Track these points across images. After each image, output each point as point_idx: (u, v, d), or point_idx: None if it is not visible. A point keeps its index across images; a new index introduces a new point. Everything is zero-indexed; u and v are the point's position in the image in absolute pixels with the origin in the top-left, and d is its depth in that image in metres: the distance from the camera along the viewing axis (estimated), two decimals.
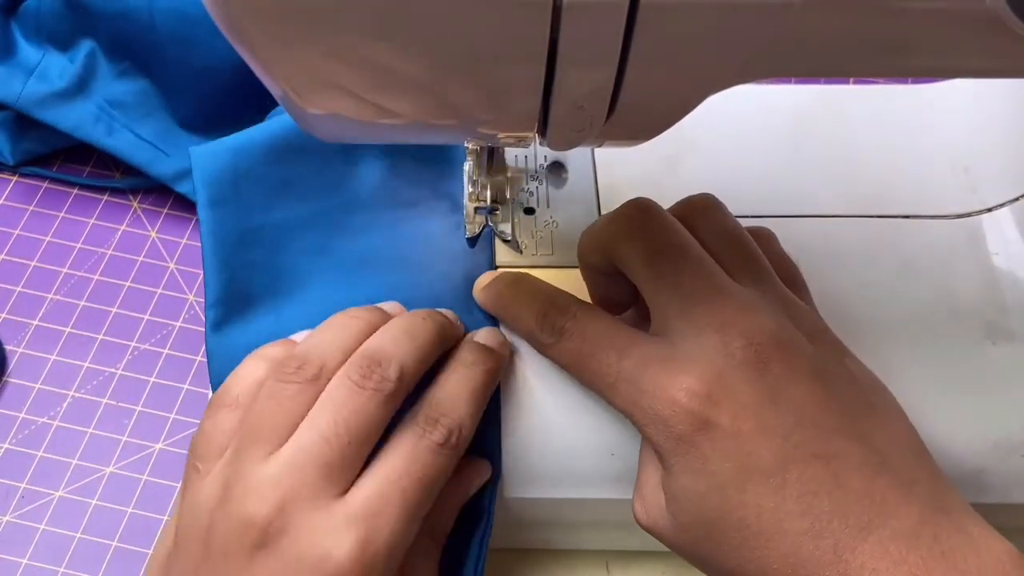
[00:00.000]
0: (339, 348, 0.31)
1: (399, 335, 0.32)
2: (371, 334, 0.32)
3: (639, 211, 0.32)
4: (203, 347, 0.46)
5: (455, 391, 0.32)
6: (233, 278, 0.36)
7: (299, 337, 0.34)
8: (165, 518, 0.42)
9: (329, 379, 0.30)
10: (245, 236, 0.37)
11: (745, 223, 0.34)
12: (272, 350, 0.33)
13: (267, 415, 0.30)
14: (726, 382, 0.28)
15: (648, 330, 0.31)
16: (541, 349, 0.33)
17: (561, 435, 0.34)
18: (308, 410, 0.30)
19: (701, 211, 0.33)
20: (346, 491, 0.29)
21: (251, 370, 0.32)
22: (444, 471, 0.31)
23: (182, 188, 0.49)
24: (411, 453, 0.30)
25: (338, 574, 0.28)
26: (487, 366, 0.33)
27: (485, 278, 0.36)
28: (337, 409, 0.29)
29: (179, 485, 0.31)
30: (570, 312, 0.32)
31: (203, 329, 0.47)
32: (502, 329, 0.36)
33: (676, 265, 0.30)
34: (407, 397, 0.31)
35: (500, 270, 0.37)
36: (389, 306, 0.35)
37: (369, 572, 0.28)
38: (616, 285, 0.33)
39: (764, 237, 0.35)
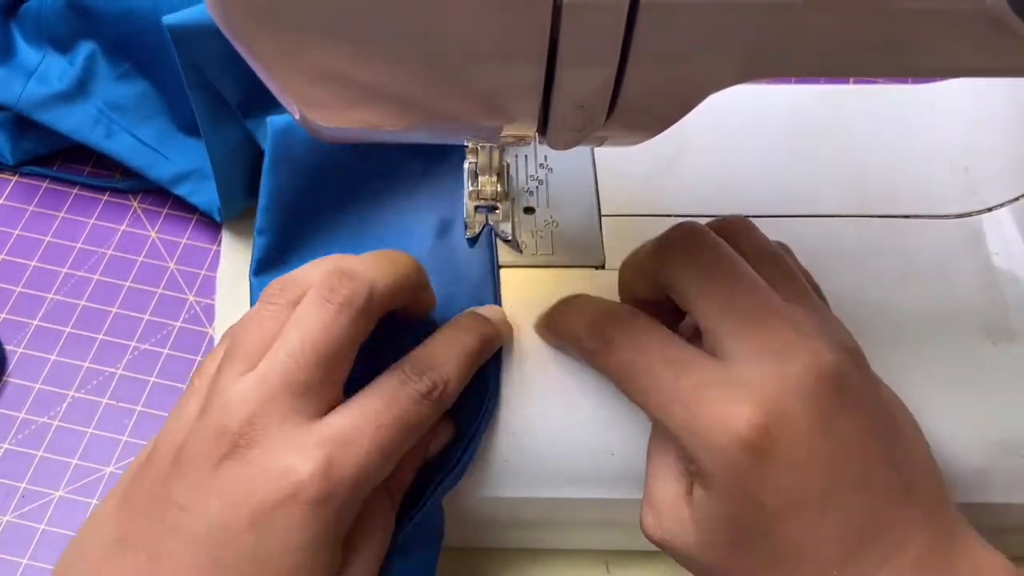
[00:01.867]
0: (324, 272, 0.31)
1: (375, 258, 0.32)
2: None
3: (686, 235, 0.31)
4: (202, 347, 0.46)
5: (445, 348, 0.32)
6: (284, 229, 0.39)
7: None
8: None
9: None
10: (299, 198, 0.39)
11: None
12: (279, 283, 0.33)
13: (247, 335, 0.30)
14: (784, 414, 0.28)
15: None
16: (588, 358, 0.33)
17: (561, 435, 0.34)
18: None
19: (740, 231, 0.33)
20: (321, 416, 0.29)
21: (251, 310, 0.32)
22: (423, 420, 0.30)
23: (181, 191, 0.49)
24: (392, 395, 0.30)
25: (299, 490, 0.27)
26: (482, 332, 0.33)
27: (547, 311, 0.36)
28: (304, 326, 0.29)
29: None
30: (623, 321, 0.31)
31: (203, 329, 0.47)
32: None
33: (729, 286, 0.30)
34: (393, 351, 0.31)
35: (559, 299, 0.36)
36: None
37: (329, 497, 0.28)
38: (660, 315, 0.33)
39: (785, 249, 0.35)
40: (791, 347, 0.29)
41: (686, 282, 0.31)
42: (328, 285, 0.30)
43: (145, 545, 0.28)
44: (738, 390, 0.28)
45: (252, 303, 0.37)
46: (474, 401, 0.34)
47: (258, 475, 0.28)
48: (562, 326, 0.34)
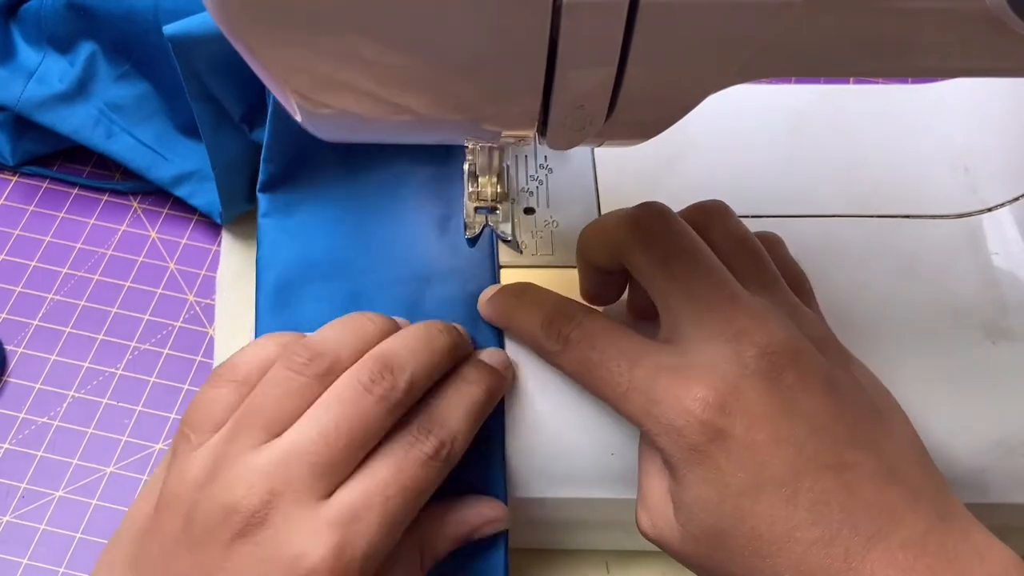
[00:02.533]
0: (353, 348, 0.31)
1: (414, 344, 0.31)
2: (387, 337, 0.32)
3: (653, 215, 0.32)
4: (202, 347, 0.46)
5: (452, 405, 0.32)
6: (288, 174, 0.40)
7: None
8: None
9: (338, 376, 0.30)
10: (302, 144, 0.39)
11: (746, 224, 0.34)
12: (287, 338, 0.33)
13: (269, 402, 0.30)
14: (740, 392, 0.28)
15: (641, 330, 0.31)
16: (547, 357, 0.33)
17: (561, 435, 0.34)
18: (310, 404, 0.30)
19: (712, 216, 0.33)
20: (332, 493, 0.29)
21: (261, 350, 0.32)
22: (431, 483, 0.30)
23: (181, 192, 0.49)
24: (399, 462, 0.30)
25: (310, 574, 0.27)
26: (488, 385, 0.33)
27: (489, 291, 0.36)
28: (341, 410, 0.29)
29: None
30: (576, 319, 0.32)
31: (203, 329, 0.47)
32: (508, 345, 0.36)
33: (689, 271, 0.30)
34: None
35: (503, 284, 0.36)
36: (399, 321, 0.35)
37: None
38: (611, 282, 0.33)
39: (772, 242, 0.35)
40: (745, 330, 0.29)
41: (647, 265, 0.31)
42: (368, 375, 0.30)
43: None
44: (692, 372, 0.28)
45: (260, 215, 0.39)
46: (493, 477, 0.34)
47: (271, 559, 0.27)
48: (516, 323, 0.34)
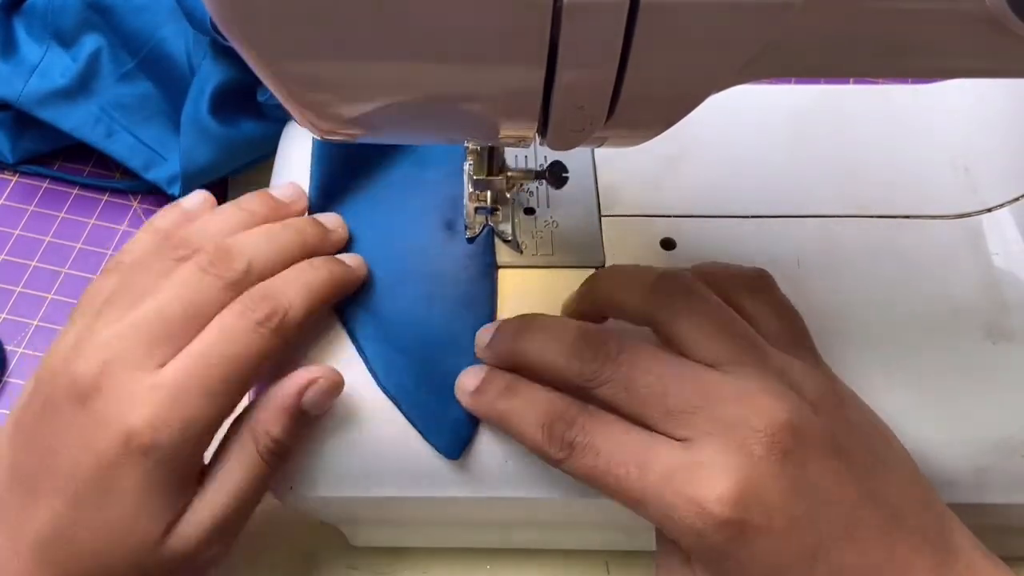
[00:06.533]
0: (222, 235, 0.33)
1: (257, 235, 0.34)
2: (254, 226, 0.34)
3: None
4: None
5: (289, 280, 0.33)
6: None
7: (190, 202, 0.36)
8: (18, 289, 0.44)
9: None
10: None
11: (746, 223, 0.34)
12: (162, 220, 0.35)
13: (131, 283, 0.32)
14: (753, 484, 0.28)
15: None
16: (552, 464, 0.31)
17: None
18: None
19: (683, 296, 0.32)
20: (165, 364, 0.30)
21: (141, 240, 0.34)
22: (260, 352, 0.31)
23: (174, 191, 0.49)
24: (227, 329, 0.31)
25: (131, 439, 0.29)
26: (332, 270, 0.34)
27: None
28: (178, 288, 0.31)
29: None
30: (578, 424, 0.30)
31: None
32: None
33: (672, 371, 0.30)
34: None
35: (488, 371, 0.33)
36: (286, 193, 0.37)
37: (157, 445, 0.29)
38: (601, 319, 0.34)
39: (761, 285, 0.34)
40: (744, 420, 0.28)
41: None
42: (207, 258, 0.32)
43: (29, 481, 0.30)
44: (704, 471, 0.28)
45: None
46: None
47: (101, 424, 0.29)
48: (514, 427, 0.31)
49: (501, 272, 0.38)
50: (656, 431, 0.29)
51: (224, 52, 0.46)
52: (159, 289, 0.31)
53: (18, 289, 0.48)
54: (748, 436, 0.28)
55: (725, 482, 0.28)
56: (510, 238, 0.38)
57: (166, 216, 0.35)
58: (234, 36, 0.23)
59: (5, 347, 0.46)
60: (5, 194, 0.51)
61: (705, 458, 0.28)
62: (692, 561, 0.29)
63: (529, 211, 0.40)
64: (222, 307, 0.31)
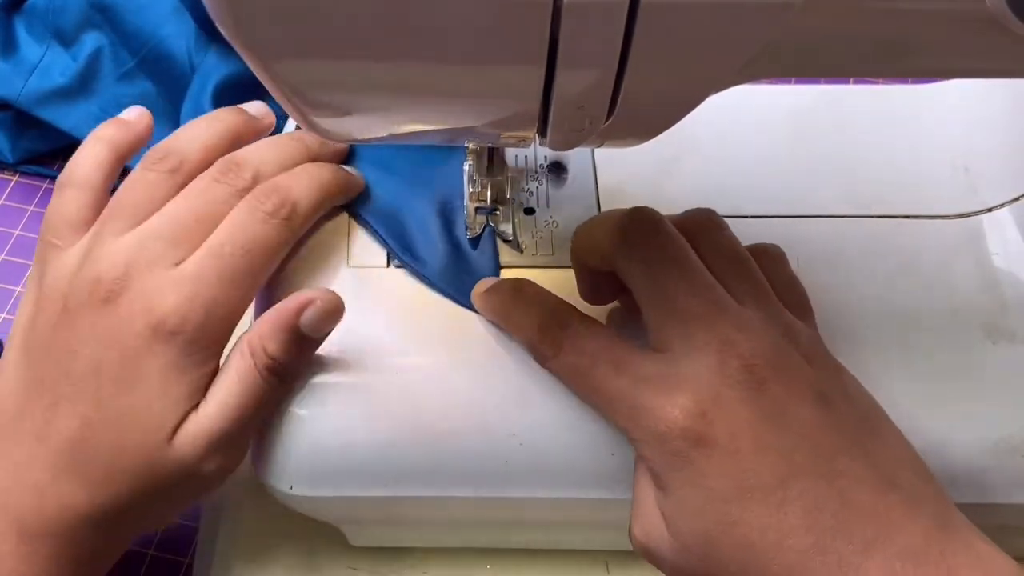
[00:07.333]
0: (200, 145, 0.35)
1: (264, 147, 0.35)
2: (232, 136, 0.35)
3: (642, 222, 0.32)
4: None
5: (297, 175, 0.35)
6: None
7: (132, 114, 0.36)
8: (18, 289, 0.45)
9: (188, 172, 0.34)
10: None
11: (746, 223, 0.34)
12: (107, 131, 0.35)
13: (129, 198, 0.33)
14: (722, 401, 0.28)
15: (638, 330, 0.31)
16: (539, 361, 0.33)
17: (561, 435, 0.34)
18: (166, 195, 0.33)
19: (703, 230, 0.33)
20: (184, 261, 0.32)
21: (91, 151, 0.35)
22: (271, 242, 0.33)
23: None
24: (239, 222, 0.33)
25: (158, 326, 0.31)
26: (336, 172, 0.36)
27: (484, 283, 0.36)
28: (192, 198, 0.33)
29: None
30: (571, 326, 0.32)
31: None
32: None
33: (676, 281, 0.30)
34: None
35: (500, 278, 0.36)
36: (254, 107, 0.37)
37: (185, 328, 0.31)
38: (606, 282, 0.33)
39: (773, 258, 0.35)
40: (729, 341, 0.29)
41: (633, 273, 0.31)
42: (217, 169, 0.34)
43: (49, 389, 0.31)
44: (675, 381, 0.29)
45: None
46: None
47: (126, 319, 0.31)
48: (511, 323, 0.34)
49: (502, 272, 0.38)
50: (648, 341, 0.31)
51: (228, 46, 0.46)
52: (175, 201, 0.33)
53: (18, 289, 0.48)
54: (729, 359, 0.29)
55: (694, 393, 0.28)
56: (510, 238, 0.38)
57: (107, 126, 0.36)
58: (233, 36, 0.23)
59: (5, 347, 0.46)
60: (5, 194, 0.51)
61: (682, 370, 0.29)
62: (653, 475, 0.29)
63: (529, 211, 0.40)
64: (233, 207, 0.33)
